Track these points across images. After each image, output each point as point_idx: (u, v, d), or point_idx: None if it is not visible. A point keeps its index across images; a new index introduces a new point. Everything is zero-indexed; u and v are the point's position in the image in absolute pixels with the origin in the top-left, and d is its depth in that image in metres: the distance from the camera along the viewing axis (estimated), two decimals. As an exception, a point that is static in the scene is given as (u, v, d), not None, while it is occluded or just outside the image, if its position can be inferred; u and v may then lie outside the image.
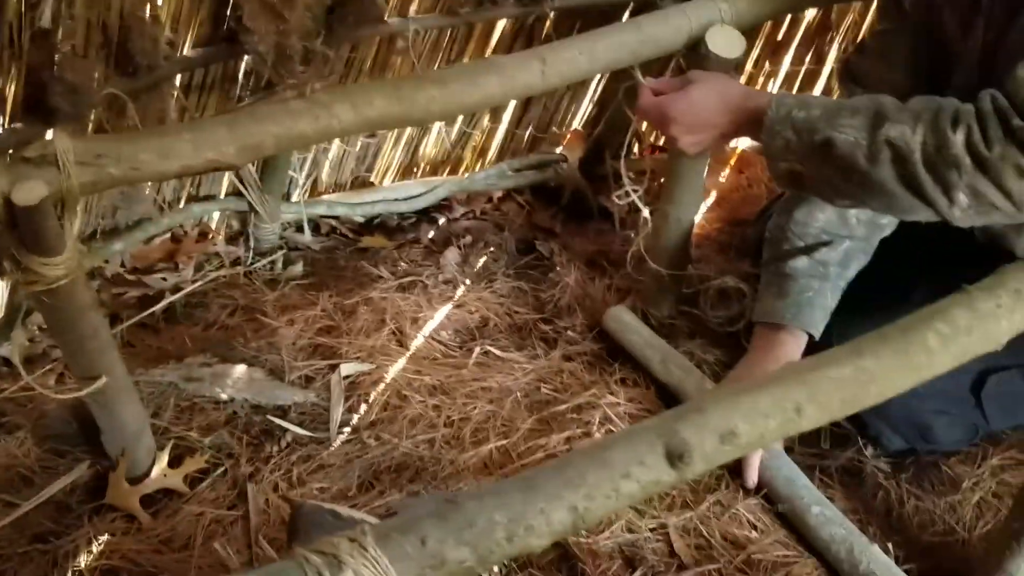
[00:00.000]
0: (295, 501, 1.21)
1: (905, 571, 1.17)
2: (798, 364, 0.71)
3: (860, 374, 0.70)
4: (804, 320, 1.36)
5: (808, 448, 1.37)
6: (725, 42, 1.31)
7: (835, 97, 1.40)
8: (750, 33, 1.91)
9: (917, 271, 1.35)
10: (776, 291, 1.40)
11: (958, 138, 1.01)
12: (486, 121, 1.91)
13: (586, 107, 1.98)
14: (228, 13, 1.36)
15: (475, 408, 1.41)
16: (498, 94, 1.21)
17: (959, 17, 1.22)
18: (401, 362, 1.49)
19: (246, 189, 1.64)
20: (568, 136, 2.02)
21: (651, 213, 1.73)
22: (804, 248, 1.40)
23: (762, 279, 1.45)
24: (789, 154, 1.13)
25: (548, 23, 1.69)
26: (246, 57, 1.42)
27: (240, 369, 1.43)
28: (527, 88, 1.24)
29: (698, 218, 1.91)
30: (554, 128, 1.98)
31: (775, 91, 2.07)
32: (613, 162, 1.95)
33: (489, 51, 1.70)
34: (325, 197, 1.82)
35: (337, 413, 1.37)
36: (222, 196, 1.70)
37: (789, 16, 1.94)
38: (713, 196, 2.05)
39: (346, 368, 1.44)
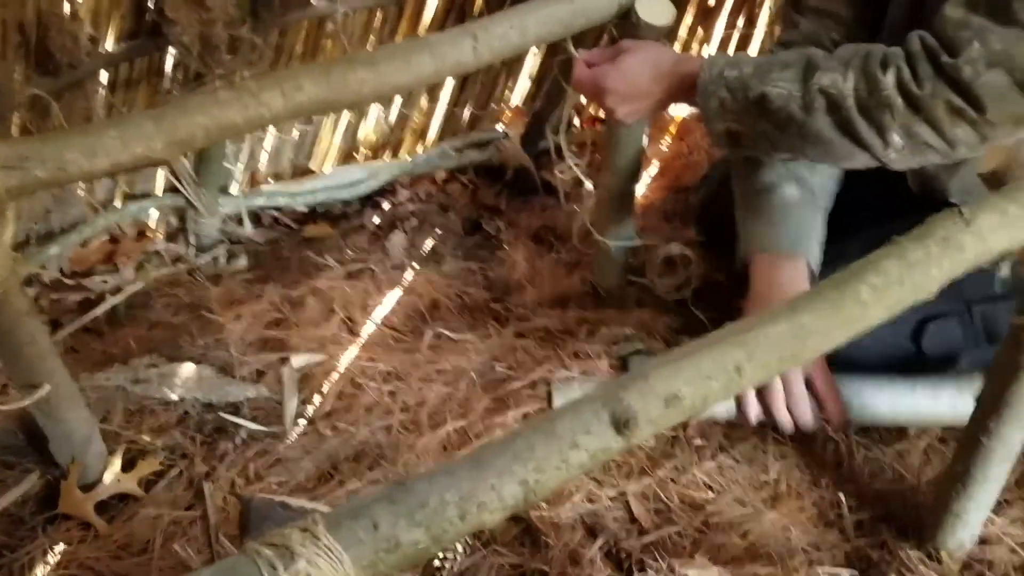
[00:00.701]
0: (244, 496, 1.20)
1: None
2: (736, 324, 0.72)
3: (797, 330, 0.71)
4: (804, 248, 1.30)
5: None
6: (654, 9, 1.31)
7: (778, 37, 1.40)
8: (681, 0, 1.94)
9: (855, 224, 1.38)
10: (767, 219, 1.33)
11: (889, 80, 1.04)
12: (424, 102, 1.89)
13: (524, 83, 1.97)
14: (150, 5, 1.33)
15: (431, 391, 1.41)
16: (430, 73, 1.20)
17: None
18: (353, 350, 1.49)
19: (182, 184, 1.61)
20: (508, 113, 2.02)
21: (594, 185, 1.75)
22: (789, 175, 1.36)
23: (744, 210, 1.39)
24: (725, 114, 1.15)
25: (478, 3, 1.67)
26: (172, 49, 1.39)
27: (188, 368, 1.41)
28: (460, 65, 1.23)
29: (641, 187, 1.93)
30: (493, 105, 1.98)
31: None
32: (554, 137, 1.95)
33: (422, 30, 1.69)
34: (265, 188, 1.80)
35: (291, 406, 1.36)
36: (158, 193, 1.67)
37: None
38: (656, 165, 2.06)
39: (297, 360, 1.43)
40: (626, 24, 1.34)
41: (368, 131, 1.88)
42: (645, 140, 1.53)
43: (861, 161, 1.12)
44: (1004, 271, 0.92)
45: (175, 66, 1.44)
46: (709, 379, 0.69)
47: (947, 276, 0.76)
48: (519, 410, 1.39)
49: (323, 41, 1.57)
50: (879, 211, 1.34)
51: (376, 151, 1.93)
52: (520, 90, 1.98)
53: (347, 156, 1.91)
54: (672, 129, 2.17)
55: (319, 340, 1.49)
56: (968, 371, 1.24)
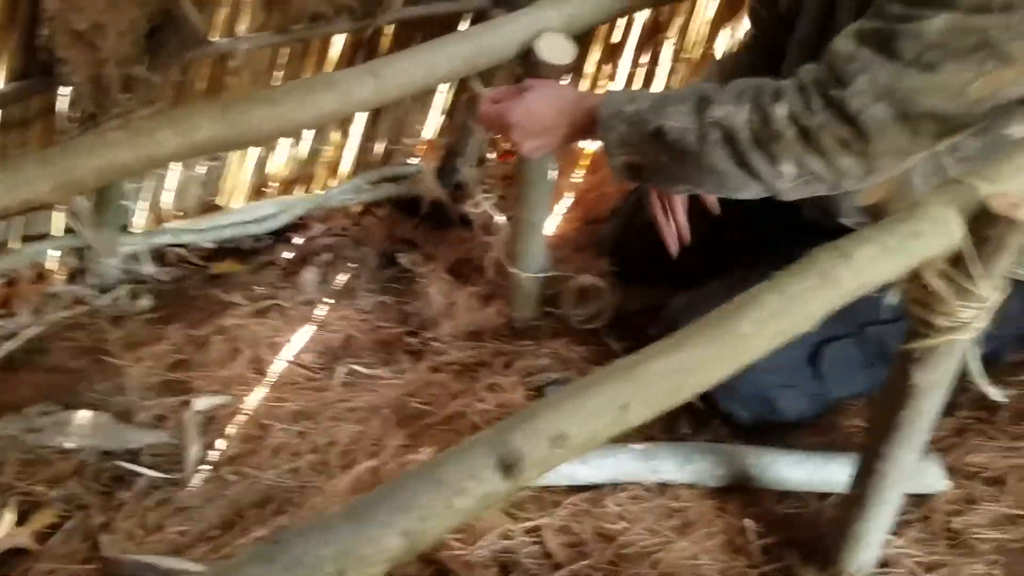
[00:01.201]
0: (110, 558, 1.16)
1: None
2: (623, 361, 0.73)
3: (681, 367, 0.72)
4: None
5: (669, 433, 1.41)
6: (555, 49, 1.33)
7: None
8: (587, 37, 1.97)
9: (751, 250, 1.41)
10: None
11: (780, 112, 1.07)
12: (336, 136, 1.88)
13: (437, 116, 1.97)
14: (40, 44, 1.29)
15: (341, 431, 1.39)
16: (333, 110, 1.19)
17: None
18: (260, 390, 1.45)
19: (80, 224, 1.56)
20: (422, 146, 2.02)
21: (506, 218, 1.76)
22: None
23: None
24: (625, 147, 1.18)
25: (388, 36, 1.67)
26: (66, 88, 1.35)
27: (84, 415, 1.36)
28: (363, 103, 1.23)
29: (554, 220, 1.95)
30: (407, 139, 1.97)
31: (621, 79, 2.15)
32: (467, 170, 1.96)
33: (331, 66, 1.68)
34: (169, 225, 1.75)
35: (193, 451, 1.32)
36: (57, 233, 1.61)
37: (623, 19, 2.00)
38: (569, 197, 2.08)
39: (200, 402, 1.39)
40: (528, 62, 1.36)
41: (278, 165, 1.86)
42: (554, 174, 1.55)
43: (755, 191, 1.15)
44: (891, 298, 0.96)
45: (70, 105, 1.40)
46: (596, 417, 0.69)
47: (826, 309, 0.78)
48: (434, 447, 1.38)
49: (226, 78, 1.54)
50: (775, 235, 1.38)
51: (287, 185, 1.91)
52: (433, 124, 1.98)
53: (257, 191, 1.88)
54: (585, 162, 2.20)
55: (224, 381, 1.45)
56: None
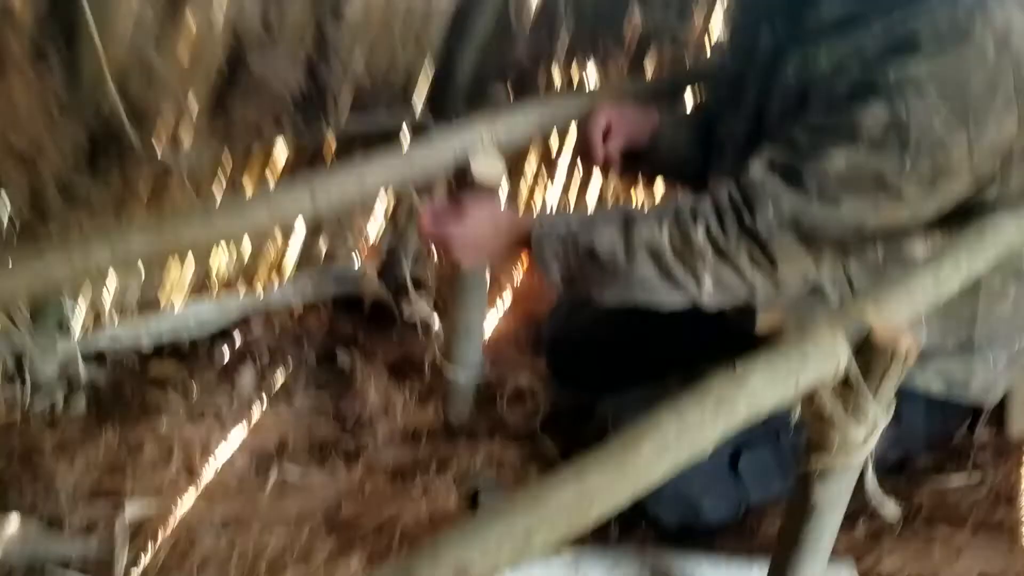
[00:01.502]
0: None
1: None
2: (527, 490, 0.76)
3: (584, 492, 0.75)
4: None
5: (598, 537, 1.44)
6: (487, 166, 1.39)
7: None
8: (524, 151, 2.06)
9: (680, 351, 1.47)
10: None
11: (699, 231, 1.16)
12: (279, 236, 1.92)
13: (380, 216, 2.03)
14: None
15: (272, 538, 1.39)
16: (266, 224, 1.24)
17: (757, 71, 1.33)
18: (191, 496, 1.45)
19: (16, 327, 1.56)
20: (365, 246, 2.07)
21: (444, 320, 1.80)
22: None
23: None
24: (558, 263, 1.25)
25: (330, 147, 1.73)
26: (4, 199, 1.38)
27: (12, 522, 1.34)
28: (297, 215, 1.27)
29: (492, 320, 2.00)
30: (350, 239, 2.02)
31: (553, 197, 2.24)
32: (408, 270, 2.01)
33: (276, 175, 1.73)
34: (108, 326, 1.76)
35: (122, 559, 1.32)
36: (-8, 336, 1.62)
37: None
38: (508, 296, 2.14)
39: (131, 509, 1.39)
40: (462, 178, 1.43)
41: (220, 264, 1.88)
42: (489, 277, 1.60)
43: (680, 302, 1.22)
44: (795, 414, 1.01)
45: (8, 217, 1.42)
46: (499, 547, 0.72)
47: (722, 434, 0.83)
48: (365, 553, 1.39)
49: (169, 186, 1.58)
50: (700, 337, 1.44)
51: (230, 284, 1.93)
52: (376, 224, 2.04)
53: (199, 289, 1.90)
54: (524, 262, 2.27)
55: (156, 487, 1.45)
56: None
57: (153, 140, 1.44)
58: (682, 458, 0.82)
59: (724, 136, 1.38)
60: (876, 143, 1.07)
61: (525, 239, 1.28)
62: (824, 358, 0.93)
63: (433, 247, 1.80)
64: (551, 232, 1.24)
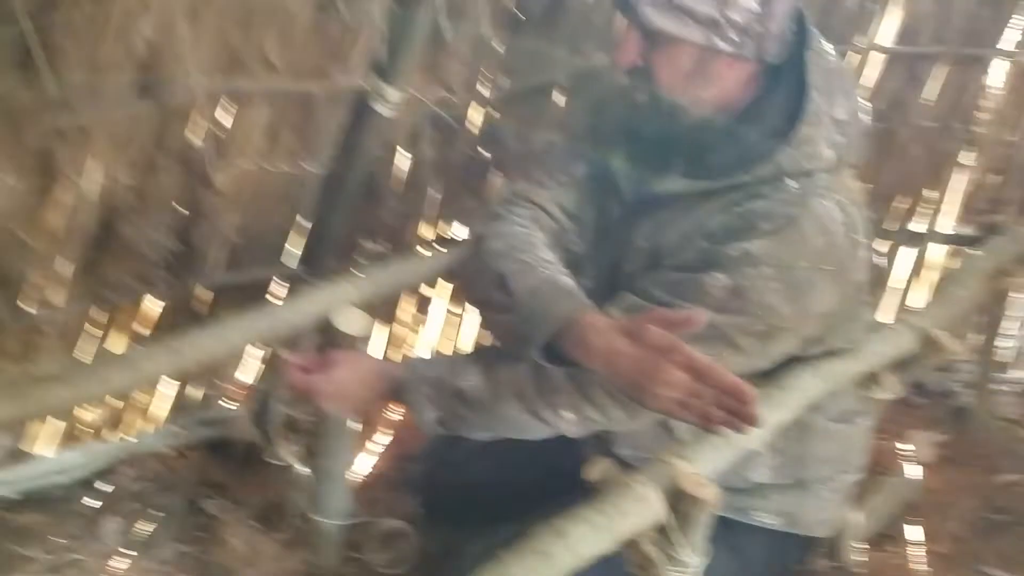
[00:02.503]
0: None
1: None
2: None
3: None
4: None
5: None
6: (352, 321, 1.48)
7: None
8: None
9: (543, 488, 1.54)
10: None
11: (556, 370, 1.23)
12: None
13: (253, 360, 2.07)
14: None
15: None
16: (128, 385, 1.28)
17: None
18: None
19: None
20: (238, 389, 2.10)
21: (310, 466, 1.83)
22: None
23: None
24: (430, 404, 1.31)
25: (203, 300, 1.79)
26: None
27: None
28: (160, 376, 1.32)
29: (363, 461, 2.04)
30: (223, 383, 2.05)
31: (427, 336, 2.33)
32: (282, 414, 2.05)
33: (143, 329, 1.77)
34: (-31, 478, 1.73)
35: None
36: None
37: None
38: (384, 434, 2.19)
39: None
40: (328, 332, 1.50)
41: (91, 413, 1.88)
42: (355, 425, 1.66)
43: (546, 433, 1.31)
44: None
45: None
46: None
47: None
48: None
49: (38, 339, 1.60)
50: (567, 473, 1.52)
51: (99, 430, 1.93)
52: (249, 367, 2.08)
53: (68, 437, 1.89)
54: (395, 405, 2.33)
55: (4, 652, 1.41)
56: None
57: (22, 303, 1.48)
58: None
59: (587, 287, 1.49)
60: (720, 304, 1.22)
61: (394, 387, 1.33)
62: (640, 509, 1.03)
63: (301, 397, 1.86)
64: (420, 377, 1.31)
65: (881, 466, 2.27)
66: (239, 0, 1.46)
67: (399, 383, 1.33)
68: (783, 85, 1.28)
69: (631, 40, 1.27)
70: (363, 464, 2.06)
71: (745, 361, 1.26)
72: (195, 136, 1.56)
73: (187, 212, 1.58)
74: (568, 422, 1.27)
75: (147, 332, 1.78)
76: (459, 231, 2.07)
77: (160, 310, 1.79)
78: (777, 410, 1.24)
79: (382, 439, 2.17)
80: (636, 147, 1.38)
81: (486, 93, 1.91)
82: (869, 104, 1.37)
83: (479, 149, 1.95)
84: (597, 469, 1.11)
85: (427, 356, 1.49)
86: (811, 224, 1.23)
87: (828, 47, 1.32)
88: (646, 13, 1.23)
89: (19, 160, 1.37)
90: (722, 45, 1.24)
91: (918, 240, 2.61)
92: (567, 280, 1.30)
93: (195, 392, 2.01)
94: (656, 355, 1.08)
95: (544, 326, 1.21)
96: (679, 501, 1.05)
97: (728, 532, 1.41)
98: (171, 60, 1.38)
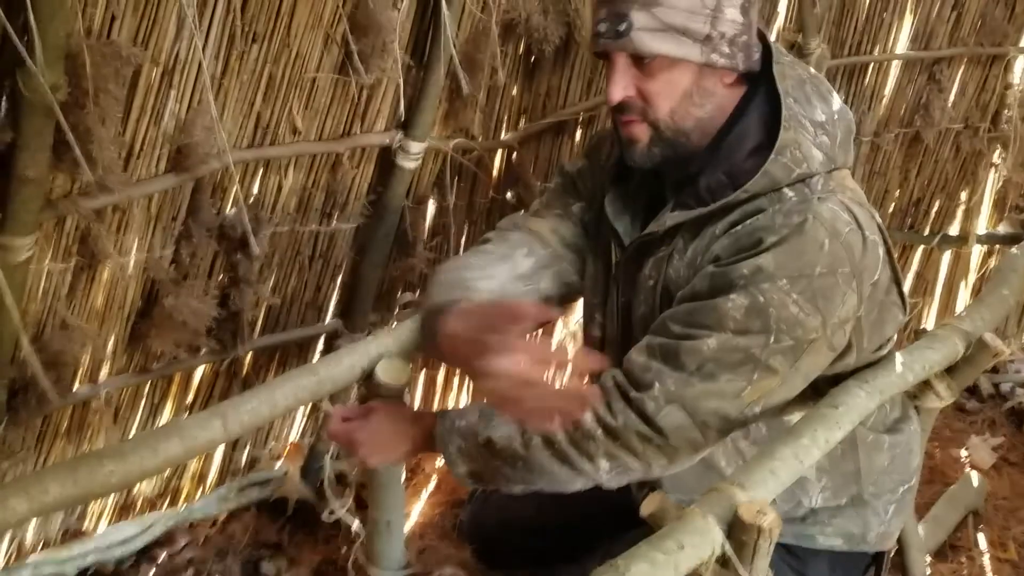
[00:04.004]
0: None
1: None
2: None
3: None
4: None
5: None
6: (392, 372, 1.48)
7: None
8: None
9: (596, 532, 1.53)
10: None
11: (588, 416, 1.22)
12: (201, 449, 1.95)
13: (300, 419, 2.09)
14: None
15: None
16: (180, 455, 1.28)
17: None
18: None
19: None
20: (287, 448, 2.11)
21: (362, 519, 1.83)
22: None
23: None
24: (463, 457, 1.30)
25: (246, 362, 1.82)
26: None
27: None
28: (210, 444, 1.33)
29: (415, 510, 2.03)
30: (272, 442, 2.07)
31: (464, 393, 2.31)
32: (332, 468, 2.05)
33: (191, 395, 1.79)
34: (31, 558, 1.75)
35: None
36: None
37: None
38: (434, 481, 2.19)
39: None
40: (370, 384, 1.51)
41: (142, 485, 1.91)
42: (403, 474, 1.66)
43: (580, 484, 1.29)
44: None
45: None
46: None
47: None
48: None
49: (89, 417, 1.63)
50: (619, 518, 1.50)
51: (154, 501, 1.95)
52: (297, 425, 2.09)
53: (123, 510, 1.91)
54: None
55: None
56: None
57: (71, 381, 1.51)
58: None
59: (597, 335, 1.50)
60: (741, 327, 1.19)
61: (429, 437, 1.34)
62: (699, 542, 1.02)
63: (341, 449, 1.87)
64: (452, 428, 1.31)
65: (941, 475, 2.22)
66: (262, 71, 1.50)
67: (433, 434, 1.33)
68: (758, 98, 1.27)
69: (621, 72, 1.23)
70: (415, 513, 2.05)
71: (780, 382, 1.23)
72: (228, 204, 1.59)
73: (225, 278, 1.61)
74: (604, 471, 1.25)
75: (194, 399, 1.81)
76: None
77: (205, 376, 1.81)
78: (834, 430, 1.22)
79: (432, 487, 2.17)
80: (624, 194, 1.37)
81: (505, 136, 1.93)
82: (847, 107, 1.34)
83: (502, 191, 1.97)
84: (652, 503, 1.10)
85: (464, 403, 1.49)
86: (818, 228, 1.20)
87: (791, 57, 1.31)
88: (642, 39, 1.20)
89: (60, 243, 1.40)
90: (718, 60, 1.23)
91: (956, 242, 2.58)
92: (484, 283, 1.31)
93: (243, 454, 2.03)
94: (489, 343, 1.07)
95: (422, 312, 1.27)
96: (738, 530, 1.04)
97: (791, 558, 1.40)
98: (201, 133, 1.41)
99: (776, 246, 1.20)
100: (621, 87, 1.24)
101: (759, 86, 1.27)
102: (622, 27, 1.20)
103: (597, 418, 1.23)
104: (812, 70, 1.36)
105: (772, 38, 1.33)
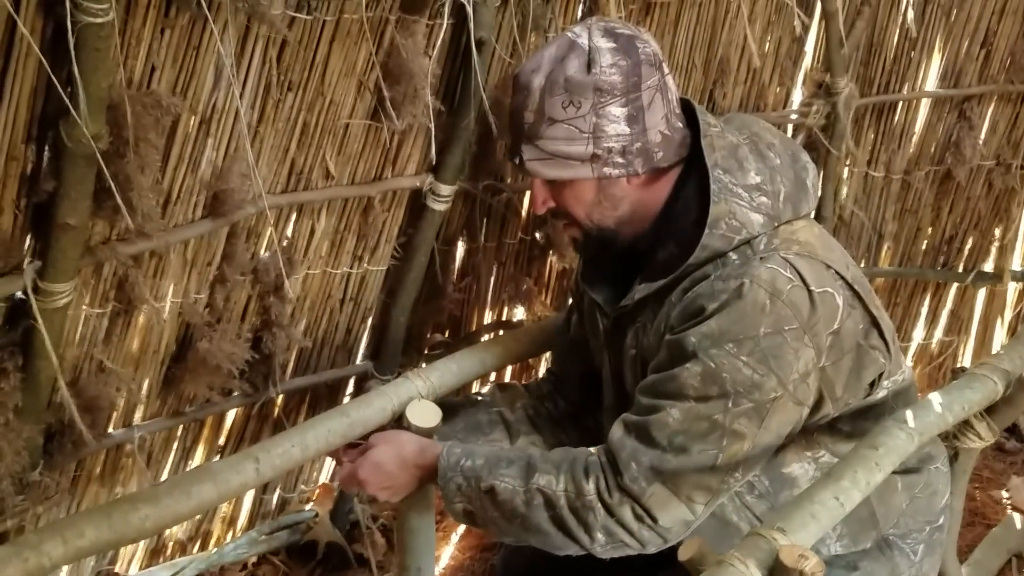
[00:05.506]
0: None
1: None
2: None
3: None
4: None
5: None
6: (423, 414, 1.49)
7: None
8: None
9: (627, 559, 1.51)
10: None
11: (591, 487, 1.24)
12: (232, 492, 1.95)
13: (330, 461, 2.08)
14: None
15: None
16: (213, 499, 1.29)
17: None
18: None
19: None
20: (317, 491, 2.11)
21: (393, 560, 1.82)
22: None
23: None
24: (461, 496, 1.32)
25: (277, 404, 1.82)
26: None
27: None
28: (243, 487, 1.34)
29: (445, 554, 2.01)
30: (301, 485, 2.07)
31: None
32: (362, 510, 2.05)
33: (222, 438, 1.80)
34: (62, 603, 1.76)
35: None
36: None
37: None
38: (462, 526, 2.17)
39: None
40: (400, 425, 1.51)
41: (173, 529, 1.91)
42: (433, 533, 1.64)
43: (573, 550, 1.29)
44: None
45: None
46: None
47: None
48: None
49: (122, 460, 1.64)
50: (646, 566, 1.49)
51: (185, 544, 1.95)
52: (327, 467, 2.09)
53: (154, 553, 1.91)
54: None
55: None
56: None
57: (106, 425, 1.52)
58: None
59: (601, 414, 1.51)
60: (700, 393, 1.22)
61: (432, 470, 1.35)
62: (739, 588, 1.00)
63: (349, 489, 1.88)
64: (456, 466, 1.32)
65: (982, 516, 2.17)
66: (297, 118, 1.52)
67: (435, 466, 1.34)
68: (693, 175, 1.31)
69: (537, 189, 1.35)
70: (445, 557, 2.04)
71: (751, 445, 1.24)
72: (263, 248, 1.62)
73: (258, 321, 1.62)
74: (599, 544, 1.26)
75: (225, 442, 1.81)
76: (518, 313, 2.09)
77: (237, 419, 1.82)
78: (874, 471, 1.20)
79: (462, 530, 2.15)
80: (597, 274, 1.44)
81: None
82: (800, 153, 1.37)
83: (530, 232, 1.98)
84: (690, 549, 1.08)
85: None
86: (757, 291, 1.22)
87: (720, 127, 1.33)
88: (535, 168, 1.31)
89: (98, 288, 1.43)
90: (612, 172, 1.29)
91: (990, 279, 2.55)
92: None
93: (273, 496, 2.02)
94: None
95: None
96: (780, 574, 1.02)
97: (830, 604, 1.37)
98: (237, 180, 1.43)
99: (717, 312, 1.23)
100: (540, 202, 1.37)
101: (693, 163, 1.32)
102: (517, 160, 1.33)
103: (597, 491, 1.25)
104: (756, 126, 1.38)
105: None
